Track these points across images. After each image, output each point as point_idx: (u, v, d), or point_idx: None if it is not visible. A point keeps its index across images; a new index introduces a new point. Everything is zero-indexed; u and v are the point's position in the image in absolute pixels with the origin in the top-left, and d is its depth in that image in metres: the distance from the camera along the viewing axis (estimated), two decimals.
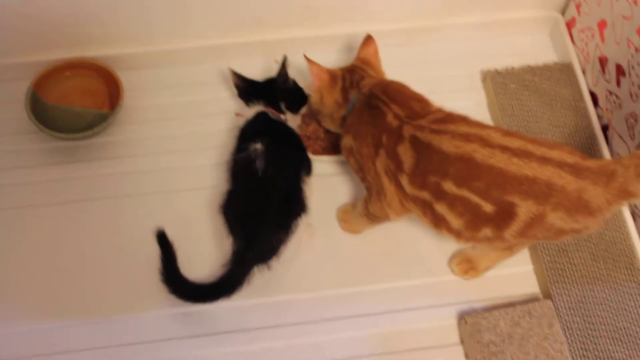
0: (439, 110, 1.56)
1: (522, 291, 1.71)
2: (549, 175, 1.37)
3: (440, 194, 1.47)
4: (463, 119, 1.51)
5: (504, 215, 1.42)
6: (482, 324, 1.59)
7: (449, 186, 1.45)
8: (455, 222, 1.49)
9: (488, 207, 1.43)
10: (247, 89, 1.84)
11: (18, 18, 1.84)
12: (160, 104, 1.98)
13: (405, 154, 1.51)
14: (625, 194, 1.37)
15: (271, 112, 1.78)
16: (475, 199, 1.43)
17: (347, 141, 1.69)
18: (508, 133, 1.45)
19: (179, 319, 1.68)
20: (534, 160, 1.38)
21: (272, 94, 1.81)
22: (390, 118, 1.56)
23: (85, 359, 1.63)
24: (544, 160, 1.39)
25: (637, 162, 1.35)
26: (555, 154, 1.39)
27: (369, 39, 1.81)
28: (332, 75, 1.73)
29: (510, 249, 1.65)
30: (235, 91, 1.87)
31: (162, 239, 1.60)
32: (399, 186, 1.55)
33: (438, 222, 1.53)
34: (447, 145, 1.44)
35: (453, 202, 1.46)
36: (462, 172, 1.43)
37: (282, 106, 1.80)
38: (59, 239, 1.77)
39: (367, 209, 1.68)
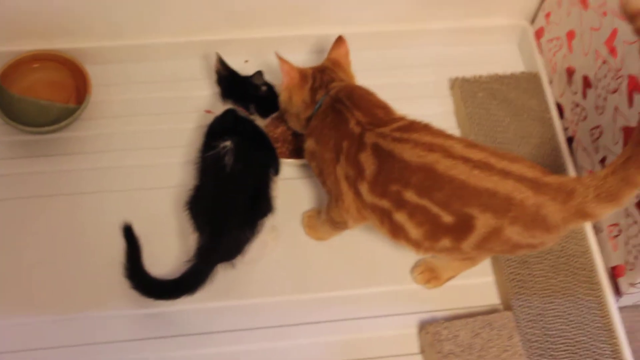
0: (402, 118, 1.56)
1: (483, 302, 1.72)
2: (508, 189, 1.38)
3: (401, 203, 1.47)
4: (425, 127, 1.51)
5: (463, 227, 1.43)
6: (442, 333, 1.59)
7: (410, 195, 1.45)
8: (414, 232, 1.49)
9: (447, 218, 1.43)
10: (227, 78, 1.83)
11: None
12: (128, 99, 1.96)
13: (367, 161, 1.50)
14: (582, 214, 1.38)
15: (239, 110, 1.77)
16: (435, 209, 1.43)
17: (309, 144, 1.68)
18: (470, 144, 1.45)
19: (141, 320, 1.67)
20: (495, 174, 1.39)
21: (243, 93, 1.80)
22: (352, 124, 1.55)
23: (45, 357, 1.61)
24: (505, 173, 1.39)
25: (598, 183, 1.36)
26: (515, 167, 1.40)
27: (340, 40, 1.80)
28: (303, 74, 1.72)
29: (472, 259, 1.66)
30: (215, 77, 1.85)
31: (129, 233, 1.59)
32: (357, 194, 1.54)
33: (396, 232, 1.53)
34: (409, 154, 1.44)
35: (413, 212, 1.46)
36: (424, 182, 1.43)
37: (252, 108, 1.79)
38: (22, 234, 1.75)
39: (329, 214, 1.68)
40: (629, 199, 1.36)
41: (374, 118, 1.56)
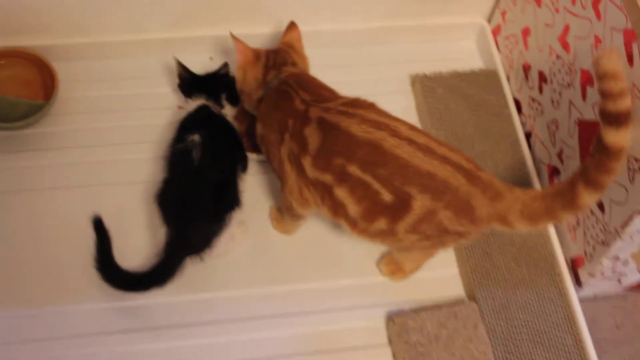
0: (347, 97, 1.59)
1: (448, 293, 1.74)
2: (446, 175, 1.43)
3: (344, 177, 1.48)
4: (371, 106, 1.55)
5: (401, 206, 1.46)
6: (409, 324, 1.62)
7: (353, 169, 1.47)
8: (353, 208, 1.51)
9: (387, 196, 1.46)
10: (189, 80, 1.85)
11: None
12: (95, 96, 1.96)
13: (312, 135, 1.52)
14: (503, 220, 1.48)
15: (212, 106, 1.79)
16: (376, 185, 1.46)
17: (259, 128, 1.70)
18: (413, 128, 1.50)
19: (109, 313, 1.67)
20: (436, 158, 1.44)
21: (213, 87, 1.82)
22: (297, 103, 1.58)
23: (14, 352, 1.61)
24: (444, 159, 1.45)
25: (527, 200, 1.47)
26: (454, 156, 1.46)
27: (292, 25, 1.84)
28: (256, 52, 1.76)
29: (429, 249, 1.68)
30: (177, 81, 1.87)
31: (98, 225, 1.59)
32: (300, 170, 1.55)
33: (337, 210, 1.54)
34: (356, 128, 1.47)
35: (355, 186, 1.48)
36: (369, 157, 1.46)
37: (223, 97, 1.82)
38: None
39: (282, 202, 1.70)
40: (545, 226, 1.45)
41: (319, 96, 1.60)
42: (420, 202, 1.44)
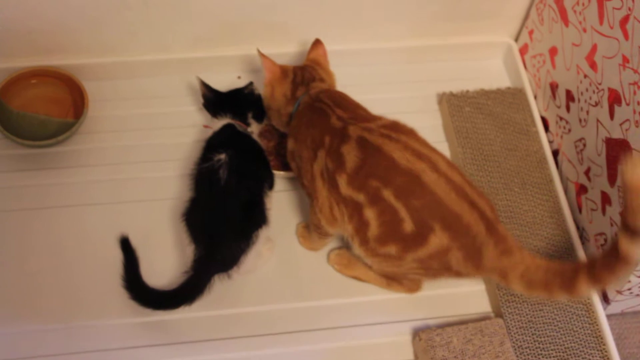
0: (383, 117, 1.61)
1: (475, 309, 1.74)
2: (471, 220, 1.48)
3: (376, 200, 1.51)
4: (412, 132, 1.57)
5: (418, 238, 1.50)
6: (435, 340, 1.62)
7: (387, 194, 1.49)
8: (375, 230, 1.53)
9: (409, 226, 1.49)
10: (214, 99, 1.86)
11: None
12: (123, 114, 1.98)
13: (350, 153, 1.53)
14: (502, 275, 1.52)
15: (238, 125, 1.80)
16: (403, 213, 1.48)
17: (290, 143, 1.72)
18: (450, 164, 1.54)
19: (138, 328, 1.68)
20: (466, 202, 1.49)
21: (239, 105, 1.84)
22: (334, 120, 1.60)
23: None
24: (473, 205, 1.49)
25: (530, 266, 1.49)
26: (481, 202, 1.51)
27: (317, 42, 1.86)
28: (283, 69, 1.78)
29: (387, 279, 1.71)
30: (202, 101, 1.88)
31: (125, 245, 1.61)
32: (333, 187, 1.57)
33: (359, 229, 1.56)
34: (399, 155, 1.49)
35: (383, 210, 1.50)
36: (406, 186, 1.48)
37: (249, 116, 1.83)
38: (21, 245, 1.77)
39: (310, 219, 1.71)
40: (537, 296, 1.55)
41: (356, 115, 1.62)
42: (438, 239, 1.48)
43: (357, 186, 1.53)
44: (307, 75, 1.77)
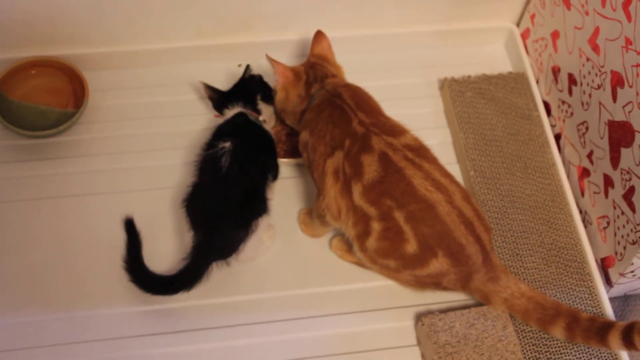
0: (404, 130, 1.64)
1: None
2: (472, 252, 1.57)
3: (386, 218, 1.56)
4: (434, 160, 1.62)
5: (419, 260, 1.57)
6: (438, 325, 1.63)
7: (399, 215, 1.54)
8: (374, 242, 1.59)
9: (412, 248, 1.55)
10: (220, 99, 1.86)
11: None
12: (123, 104, 1.99)
13: (371, 165, 1.56)
14: (485, 298, 1.63)
15: (249, 114, 1.80)
16: (409, 236, 1.54)
17: (303, 135, 1.72)
18: (465, 197, 1.59)
19: (141, 317, 1.69)
20: (472, 235, 1.57)
21: (245, 95, 1.84)
22: (355, 124, 1.60)
23: (47, 355, 1.63)
24: (478, 239, 1.57)
25: (515, 293, 1.60)
26: (485, 237, 1.59)
27: (320, 35, 1.85)
28: (296, 71, 1.78)
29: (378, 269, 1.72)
30: (210, 103, 1.89)
31: (130, 227, 1.63)
32: (346, 191, 1.59)
33: (362, 236, 1.60)
34: (419, 182, 1.55)
35: (390, 228, 1.56)
36: (419, 213, 1.54)
37: (258, 99, 1.84)
38: (23, 235, 1.78)
39: (314, 207, 1.72)
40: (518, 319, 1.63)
41: (377, 121, 1.63)
42: (439, 264, 1.56)
43: (370, 199, 1.56)
44: (319, 74, 1.77)
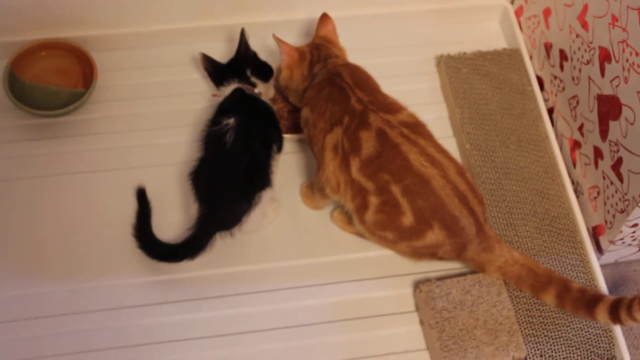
0: (401, 108, 1.68)
1: None
2: (467, 224, 1.62)
3: (383, 192, 1.60)
4: (430, 136, 1.66)
5: (415, 232, 1.62)
6: (435, 292, 1.68)
7: (395, 189, 1.59)
8: (372, 215, 1.63)
9: (409, 220, 1.60)
10: (216, 71, 1.90)
11: None
12: (132, 83, 2.02)
13: (368, 141, 1.61)
14: (480, 267, 1.69)
15: (246, 88, 1.84)
16: (405, 208, 1.59)
17: (305, 112, 1.77)
18: (460, 172, 1.63)
19: (148, 287, 1.74)
20: (466, 208, 1.61)
21: (239, 69, 1.88)
22: (353, 101, 1.65)
23: (61, 323, 1.68)
24: (472, 211, 1.62)
25: (508, 260, 1.65)
26: (478, 209, 1.64)
27: (325, 17, 1.89)
28: (301, 51, 1.82)
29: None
30: (205, 74, 1.93)
31: (141, 196, 1.71)
32: (345, 166, 1.64)
33: (360, 209, 1.65)
34: (414, 158, 1.59)
35: (387, 202, 1.60)
36: (414, 187, 1.59)
37: (248, 73, 1.87)
38: (33, 212, 1.82)
39: (315, 180, 1.77)
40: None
41: (375, 99, 1.67)
42: (434, 235, 1.60)
43: (368, 174, 1.61)
44: (322, 54, 1.81)
